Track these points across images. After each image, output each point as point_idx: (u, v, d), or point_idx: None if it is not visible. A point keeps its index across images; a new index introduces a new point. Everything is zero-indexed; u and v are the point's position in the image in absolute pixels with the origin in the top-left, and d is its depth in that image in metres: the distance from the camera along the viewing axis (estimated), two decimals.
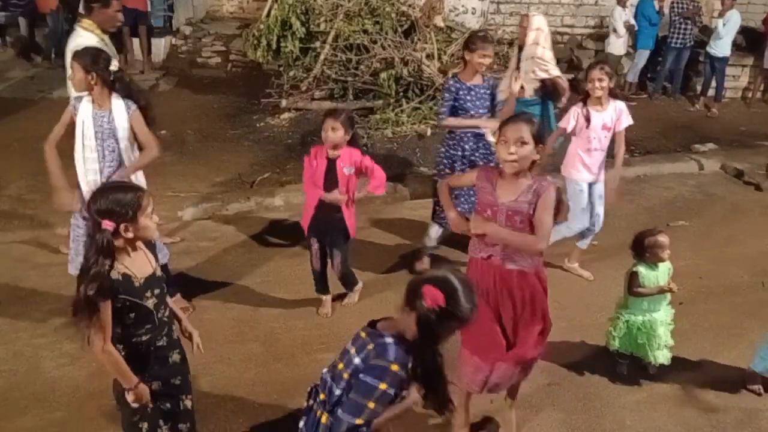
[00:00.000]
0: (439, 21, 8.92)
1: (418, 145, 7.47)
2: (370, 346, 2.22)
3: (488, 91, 4.61)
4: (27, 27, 10.36)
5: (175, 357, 2.61)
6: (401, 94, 7.87)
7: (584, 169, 4.79)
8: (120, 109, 3.77)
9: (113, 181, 3.55)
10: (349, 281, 4.51)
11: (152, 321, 2.49)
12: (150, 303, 2.47)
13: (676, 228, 5.91)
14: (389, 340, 2.21)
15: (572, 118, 4.70)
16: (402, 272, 4.97)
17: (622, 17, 9.66)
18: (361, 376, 2.19)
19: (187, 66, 10.10)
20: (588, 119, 4.67)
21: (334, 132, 4.01)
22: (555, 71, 4.98)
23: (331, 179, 4.09)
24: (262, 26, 8.40)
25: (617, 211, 5.96)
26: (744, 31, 10.39)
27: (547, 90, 5.00)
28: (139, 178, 3.96)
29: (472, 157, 4.65)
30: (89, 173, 3.82)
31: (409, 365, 2.18)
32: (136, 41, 10.02)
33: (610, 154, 4.81)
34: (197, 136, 7.61)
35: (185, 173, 6.48)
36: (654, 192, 6.94)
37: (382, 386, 2.14)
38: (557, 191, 2.92)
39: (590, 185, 4.84)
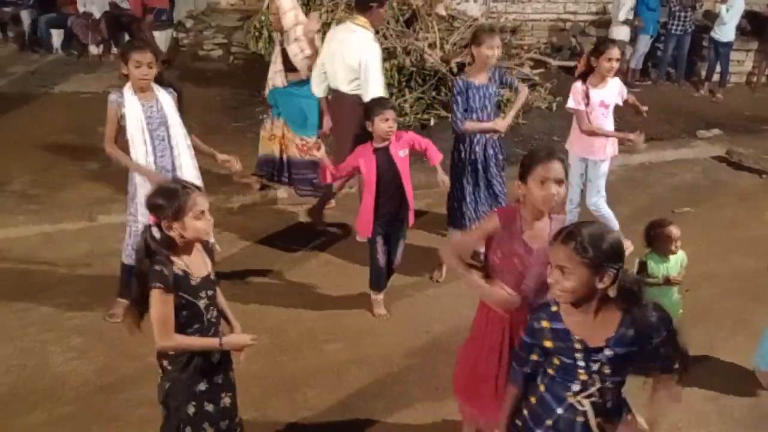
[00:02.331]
0: (441, 10, 8.86)
1: (422, 135, 7.42)
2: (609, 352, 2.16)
3: (494, 91, 4.59)
4: (30, 21, 10.32)
5: (217, 356, 2.63)
6: (404, 84, 7.83)
7: (579, 144, 4.85)
8: (166, 98, 3.88)
9: (173, 178, 3.66)
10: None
11: (201, 321, 2.54)
12: (202, 303, 2.52)
13: (681, 214, 5.89)
14: None
15: (580, 98, 4.68)
16: (405, 268, 4.96)
17: (629, 2, 9.56)
18: None
19: (189, 59, 10.06)
20: (587, 97, 4.65)
21: (390, 122, 3.91)
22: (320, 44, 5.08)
23: (389, 170, 3.98)
24: (263, 18, 8.37)
25: (621, 199, 5.94)
26: (748, 15, 10.29)
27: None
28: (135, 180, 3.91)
29: (485, 160, 4.69)
30: (140, 162, 3.83)
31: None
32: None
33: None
34: (199, 128, 7.53)
35: None
36: (658, 178, 6.92)
37: None
38: None
39: (587, 163, 4.90)
